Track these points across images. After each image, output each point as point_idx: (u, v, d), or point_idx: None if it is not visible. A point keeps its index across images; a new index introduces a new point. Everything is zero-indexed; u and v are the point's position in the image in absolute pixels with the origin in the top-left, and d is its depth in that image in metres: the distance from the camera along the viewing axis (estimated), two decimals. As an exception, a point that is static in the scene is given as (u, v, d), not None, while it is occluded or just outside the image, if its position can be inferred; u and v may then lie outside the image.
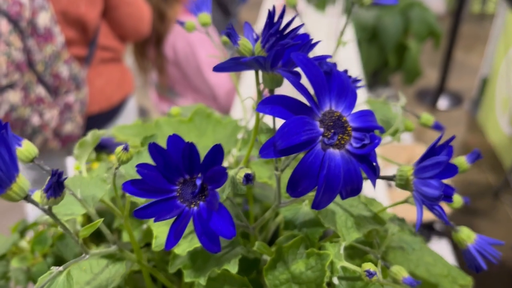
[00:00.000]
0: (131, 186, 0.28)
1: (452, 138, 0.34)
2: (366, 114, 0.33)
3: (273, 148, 0.29)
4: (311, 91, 0.31)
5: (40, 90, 1.31)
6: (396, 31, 2.33)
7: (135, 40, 1.49)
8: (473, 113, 2.90)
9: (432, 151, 0.32)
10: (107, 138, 0.59)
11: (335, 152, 0.30)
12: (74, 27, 1.30)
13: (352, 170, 0.31)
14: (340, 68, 0.37)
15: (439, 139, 0.33)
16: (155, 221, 0.28)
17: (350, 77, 0.41)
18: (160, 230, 0.36)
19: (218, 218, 0.28)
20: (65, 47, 1.28)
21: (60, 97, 1.35)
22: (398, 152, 2.01)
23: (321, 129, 0.30)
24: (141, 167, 0.28)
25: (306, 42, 0.33)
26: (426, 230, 1.79)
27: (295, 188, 0.30)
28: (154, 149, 0.28)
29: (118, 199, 0.37)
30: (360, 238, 0.37)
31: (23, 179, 0.27)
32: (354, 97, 0.33)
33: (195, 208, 0.29)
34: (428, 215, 1.79)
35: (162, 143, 0.49)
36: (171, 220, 0.31)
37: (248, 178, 0.32)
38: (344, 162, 0.31)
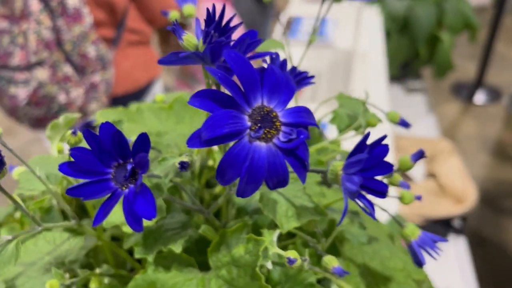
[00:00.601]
0: (67, 168, 0.31)
1: (384, 137, 0.35)
2: (300, 111, 0.34)
3: (199, 139, 0.31)
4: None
5: (68, 69, 1.37)
6: (429, 22, 2.27)
7: (162, 25, 1.52)
8: (511, 109, 2.81)
9: (359, 148, 0.34)
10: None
11: (261, 145, 0.32)
12: (103, 8, 1.35)
13: (277, 163, 0.33)
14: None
15: (367, 136, 0.34)
16: (84, 199, 0.31)
17: (299, 73, 0.43)
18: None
19: (142, 201, 0.31)
20: (93, 28, 1.33)
21: (86, 76, 1.41)
22: (422, 146, 1.98)
23: (249, 123, 0.32)
24: (75, 150, 0.31)
25: (244, 40, 0.34)
26: (443, 227, 1.76)
27: (222, 176, 0.32)
28: (88, 134, 0.31)
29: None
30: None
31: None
32: (289, 93, 0.34)
33: (126, 190, 0.32)
34: (445, 212, 1.75)
35: (142, 129, 0.52)
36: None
37: (183, 166, 0.35)
38: (270, 155, 0.32)
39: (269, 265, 0.37)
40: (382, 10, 2.20)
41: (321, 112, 0.57)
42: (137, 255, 0.40)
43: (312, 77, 0.44)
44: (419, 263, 0.41)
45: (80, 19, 1.31)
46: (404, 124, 0.49)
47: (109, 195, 0.32)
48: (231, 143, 0.32)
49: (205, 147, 0.31)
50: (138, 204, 0.31)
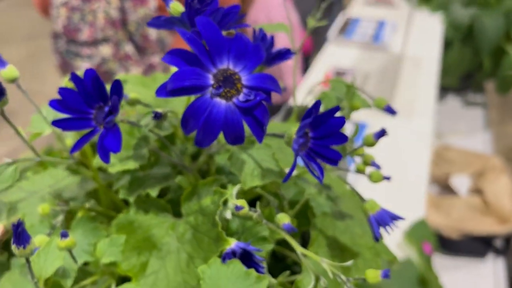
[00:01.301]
0: (57, 104, 0.37)
1: (337, 109, 0.38)
2: (264, 77, 0.38)
3: (165, 89, 0.36)
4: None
5: (129, 48, 1.48)
6: (496, 33, 2.19)
7: None
8: None
9: (308, 114, 0.37)
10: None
11: (221, 102, 0.37)
12: None
13: (234, 120, 0.37)
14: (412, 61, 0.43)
15: (317, 104, 0.37)
16: (63, 129, 0.37)
17: (279, 49, 0.46)
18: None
19: (112, 137, 0.36)
20: (157, 11, 1.43)
21: (146, 57, 1.52)
22: (472, 161, 1.93)
23: (211, 82, 0.36)
24: (63, 90, 0.37)
25: (218, 10, 0.39)
26: (483, 245, 1.71)
27: (185, 126, 0.37)
28: (75, 77, 0.36)
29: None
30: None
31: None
32: (256, 60, 0.38)
33: (102, 128, 0.37)
34: (487, 229, 1.69)
35: (148, 93, 0.57)
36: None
37: (156, 115, 0.40)
38: (228, 112, 0.37)
39: (228, 215, 0.41)
40: (445, 18, 2.15)
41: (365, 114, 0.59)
42: (121, 196, 0.45)
43: (291, 53, 0.47)
44: (375, 236, 0.44)
45: (146, 2, 1.42)
46: (390, 110, 0.51)
47: (88, 130, 0.37)
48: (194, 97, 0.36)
49: (168, 97, 0.36)
50: (108, 139, 0.36)
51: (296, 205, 0.47)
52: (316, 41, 2.17)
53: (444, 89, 2.36)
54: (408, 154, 1.41)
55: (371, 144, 0.43)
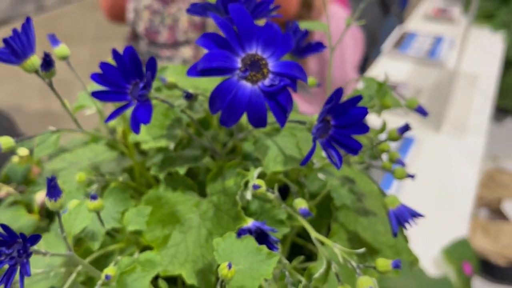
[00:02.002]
0: (97, 77, 0.40)
1: (359, 98, 0.39)
2: (291, 65, 0.40)
3: (195, 69, 0.38)
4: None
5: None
6: (562, 56, 2.08)
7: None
8: None
9: (329, 101, 0.38)
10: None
11: (246, 85, 0.39)
12: None
13: (258, 103, 0.39)
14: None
15: (338, 91, 0.38)
16: (102, 100, 0.40)
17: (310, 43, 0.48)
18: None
19: (144, 111, 0.39)
20: None
21: None
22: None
23: (239, 65, 0.39)
24: (104, 65, 0.40)
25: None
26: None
27: (212, 106, 0.39)
28: (115, 54, 0.40)
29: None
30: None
31: (36, 60, 0.41)
32: (284, 48, 0.40)
33: (136, 102, 0.40)
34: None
35: (191, 83, 0.59)
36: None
37: (187, 95, 0.42)
38: (253, 95, 0.39)
39: (248, 195, 0.43)
40: (507, 37, 2.08)
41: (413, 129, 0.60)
42: (152, 172, 0.48)
43: (322, 46, 0.48)
44: (393, 231, 0.44)
45: None
46: (421, 111, 0.51)
47: (124, 103, 0.40)
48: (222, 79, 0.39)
49: (199, 77, 0.38)
50: (140, 112, 0.39)
51: (318, 197, 0.48)
52: (370, 52, 2.15)
53: (502, 111, 2.27)
54: (456, 172, 1.37)
55: (395, 139, 0.44)
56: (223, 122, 0.39)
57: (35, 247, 0.34)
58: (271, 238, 0.41)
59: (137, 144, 0.55)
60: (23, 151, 0.57)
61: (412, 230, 0.52)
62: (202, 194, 0.48)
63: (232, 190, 0.44)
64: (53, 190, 0.34)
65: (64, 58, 0.47)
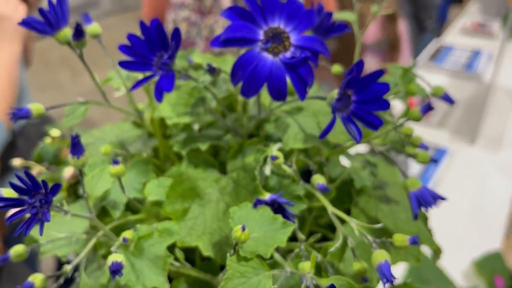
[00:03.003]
0: (125, 49, 0.42)
1: (381, 72, 0.39)
2: (312, 39, 0.40)
3: (219, 40, 0.39)
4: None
5: None
6: None
7: None
8: None
9: (349, 72, 0.38)
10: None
11: (267, 57, 0.39)
12: None
13: (279, 75, 0.39)
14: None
15: (360, 63, 0.38)
16: (128, 70, 0.41)
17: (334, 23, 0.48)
18: (161, 108, 0.49)
19: (166, 80, 0.40)
20: None
21: None
22: None
23: (261, 37, 0.39)
24: (131, 37, 0.41)
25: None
26: None
27: (233, 77, 0.40)
28: (142, 26, 0.41)
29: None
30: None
31: (68, 32, 0.43)
32: (306, 23, 0.40)
33: (161, 73, 0.41)
34: None
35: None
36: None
37: (210, 68, 0.43)
38: (274, 67, 0.39)
39: (267, 171, 0.43)
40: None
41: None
42: (175, 149, 0.49)
43: (345, 27, 0.49)
44: (413, 213, 0.43)
45: None
46: (448, 99, 0.51)
47: (149, 74, 0.42)
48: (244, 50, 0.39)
49: (222, 47, 0.39)
50: (164, 81, 0.40)
51: (338, 179, 0.48)
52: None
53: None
54: (490, 186, 1.33)
55: (416, 119, 0.43)
56: (244, 93, 0.40)
57: (58, 204, 0.35)
58: (288, 212, 0.41)
59: (163, 130, 0.57)
60: (55, 132, 0.60)
61: (443, 242, 0.51)
62: (223, 172, 0.49)
63: (252, 166, 0.45)
64: (77, 147, 0.35)
65: (96, 36, 0.48)
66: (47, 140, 0.63)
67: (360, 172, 0.47)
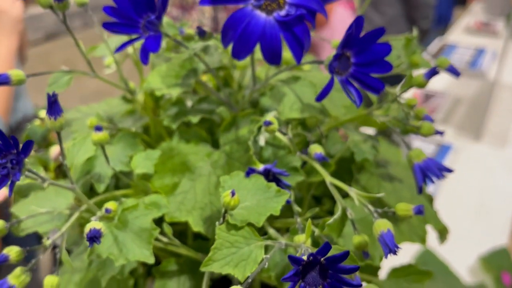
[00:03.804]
0: (110, 10, 0.39)
1: (382, 31, 0.36)
2: (309, -3, 0.38)
3: (209, -2, 0.37)
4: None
5: None
6: None
7: None
8: None
9: (349, 28, 0.35)
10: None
11: (260, 15, 0.37)
12: None
13: (272, 35, 0.37)
14: None
15: (359, 18, 0.35)
16: (113, 32, 0.39)
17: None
18: (151, 79, 0.47)
19: (153, 41, 0.38)
20: None
21: None
22: None
23: (253, -5, 0.37)
24: (117, -3, 0.39)
25: None
26: None
27: (224, 37, 0.37)
28: (127, -14, 0.39)
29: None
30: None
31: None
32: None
33: (147, 34, 0.39)
34: None
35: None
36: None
37: (200, 31, 0.41)
38: (267, 26, 0.36)
39: (261, 141, 0.41)
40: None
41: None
42: (165, 123, 0.47)
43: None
44: (418, 186, 0.41)
45: None
46: (453, 71, 0.48)
47: (136, 36, 0.39)
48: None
49: (211, 5, 0.37)
50: (150, 41, 0.37)
51: (338, 154, 0.45)
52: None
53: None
54: (496, 182, 1.30)
55: (421, 85, 0.40)
56: (235, 54, 0.37)
57: (31, 168, 0.33)
58: (283, 183, 0.38)
59: (156, 109, 0.54)
60: (43, 113, 0.57)
61: (450, 238, 0.48)
62: (216, 147, 0.46)
63: (245, 138, 0.42)
64: (53, 107, 0.33)
65: (83, 4, 0.46)
66: (36, 122, 0.61)
67: (361, 145, 0.44)
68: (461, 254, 1.06)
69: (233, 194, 0.32)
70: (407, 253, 1.00)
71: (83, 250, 0.48)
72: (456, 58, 1.93)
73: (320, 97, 0.36)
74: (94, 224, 0.32)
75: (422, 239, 0.45)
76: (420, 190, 0.41)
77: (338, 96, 0.46)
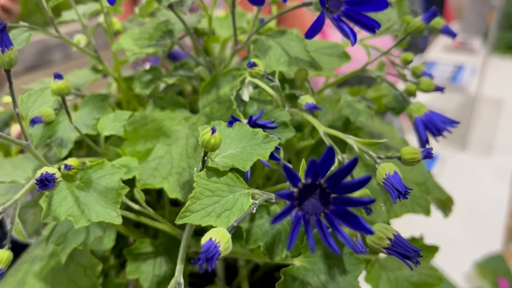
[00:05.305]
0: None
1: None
2: None
3: None
4: None
5: None
6: None
7: None
8: None
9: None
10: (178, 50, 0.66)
11: None
12: None
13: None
14: None
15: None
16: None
17: None
18: (122, 41, 0.42)
19: None
20: None
21: None
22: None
23: None
24: None
25: None
26: None
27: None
28: None
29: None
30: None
31: None
32: None
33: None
34: None
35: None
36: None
37: None
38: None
39: (245, 96, 0.36)
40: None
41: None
42: (136, 90, 0.42)
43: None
44: (421, 141, 0.37)
45: None
46: (448, 32, 0.45)
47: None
48: None
49: None
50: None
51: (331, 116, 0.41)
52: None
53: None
54: (484, 189, 1.28)
55: (419, 30, 0.37)
56: None
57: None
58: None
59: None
60: (6, 99, 0.52)
61: (441, 246, 0.44)
62: (195, 113, 0.41)
63: (227, 95, 0.38)
64: (2, 38, 0.28)
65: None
66: (-2, 108, 0.56)
67: (355, 104, 0.40)
68: (455, 262, 1.02)
69: (213, 131, 0.27)
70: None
71: (44, 238, 0.42)
72: (437, 74, 1.94)
73: (309, 33, 0.32)
74: (47, 168, 0.27)
75: (426, 210, 0.41)
76: (423, 144, 0.36)
77: (327, 61, 0.42)
